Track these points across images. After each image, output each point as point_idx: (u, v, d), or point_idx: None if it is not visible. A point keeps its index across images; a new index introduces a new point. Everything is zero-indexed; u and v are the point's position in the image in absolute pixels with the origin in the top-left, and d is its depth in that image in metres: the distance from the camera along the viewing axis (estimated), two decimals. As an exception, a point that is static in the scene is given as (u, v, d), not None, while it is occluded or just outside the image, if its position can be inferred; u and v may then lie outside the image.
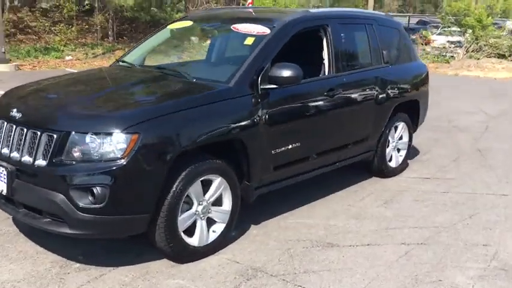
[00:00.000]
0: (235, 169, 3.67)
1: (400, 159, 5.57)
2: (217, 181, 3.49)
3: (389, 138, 5.31)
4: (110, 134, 2.99)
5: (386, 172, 5.36)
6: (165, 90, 3.76)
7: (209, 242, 3.54)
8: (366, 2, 45.34)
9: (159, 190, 3.12)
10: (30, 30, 18.34)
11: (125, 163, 2.97)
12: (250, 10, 4.88)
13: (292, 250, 3.71)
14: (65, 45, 17.13)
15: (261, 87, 3.71)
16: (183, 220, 3.33)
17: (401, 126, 5.44)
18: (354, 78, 4.60)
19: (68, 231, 3.07)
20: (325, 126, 4.34)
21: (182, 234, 3.35)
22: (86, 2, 19.07)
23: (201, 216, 3.46)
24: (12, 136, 3.27)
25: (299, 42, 4.30)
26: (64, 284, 3.13)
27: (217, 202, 3.60)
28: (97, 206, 2.97)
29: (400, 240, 3.95)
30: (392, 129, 5.31)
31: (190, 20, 4.65)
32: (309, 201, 4.65)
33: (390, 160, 5.43)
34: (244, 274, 3.34)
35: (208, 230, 3.56)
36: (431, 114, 6.76)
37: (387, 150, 5.31)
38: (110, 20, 18.89)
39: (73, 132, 3.03)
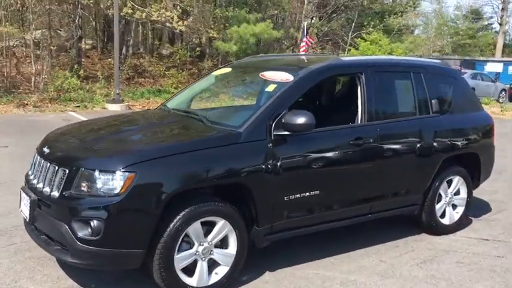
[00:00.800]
0: (244, 213, 3.71)
1: (456, 216, 5.14)
2: (220, 223, 3.55)
3: (441, 192, 4.96)
4: (110, 172, 3.23)
5: (436, 229, 4.99)
6: (175, 133, 3.96)
7: (209, 283, 3.58)
8: (493, 47, 43.37)
9: (153, 228, 3.26)
10: (148, 74, 20.10)
11: (119, 200, 3.17)
12: (289, 58, 4.96)
13: (296, 302, 3.61)
14: (175, 88, 18.49)
15: (275, 133, 3.74)
16: (180, 259, 3.42)
17: (456, 180, 5.05)
18: (389, 128, 4.42)
19: (70, 259, 3.31)
20: (350, 176, 4.20)
21: (179, 272, 3.43)
22: (197, 49, 20.49)
23: (202, 257, 3.53)
24: (40, 169, 3.66)
25: (330, 89, 4.27)
26: (67, 309, 3.37)
27: (223, 244, 3.65)
28: (93, 238, 3.19)
29: (418, 303, 3.64)
30: (444, 183, 4.95)
31: (231, 67, 4.86)
32: (343, 252, 4.48)
33: (443, 216, 5.04)
34: (234, 319, 3.32)
35: (210, 272, 3.61)
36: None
37: (438, 205, 4.95)
38: (219, 65, 20.05)
39: (82, 169, 3.31)
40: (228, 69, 4.84)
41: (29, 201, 3.57)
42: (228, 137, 3.67)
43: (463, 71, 23.81)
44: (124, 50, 19.49)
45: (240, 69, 4.91)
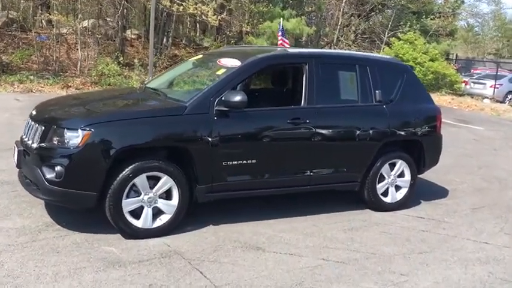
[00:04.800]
0: (188, 173, 4.55)
1: (399, 196, 5.75)
2: (163, 178, 4.40)
3: (383, 173, 5.59)
4: (73, 129, 4.15)
5: (377, 205, 5.63)
6: (134, 103, 4.85)
7: (153, 226, 4.44)
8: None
9: (103, 175, 4.15)
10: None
11: (77, 151, 4.08)
12: (253, 48, 5.74)
13: (221, 246, 4.41)
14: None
15: (216, 108, 4.55)
16: (127, 203, 4.29)
17: (399, 163, 5.66)
18: (327, 112, 5.12)
19: (41, 196, 4.28)
20: (285, 150, 4.94)
21: (127, 214, 4.31)
22: (232, 42, 21.39)
23: (148, 204, 4.39)
24: (29, 128, 4.63)
25: (277, 76, 5.02)
26: (40, 235, 4.31)
27: (168, 196, 4.50)
28: (57, 180, 4.13)
29: (320, 256, 4.35)
30: (386, 165, 5.58)
31: (202, 55, 5.70)
32: (286, 216, 5.22)
33: (385, 195, 5.67)
34: (163, 254, 4.16)
35: (155, 218, 4.46)
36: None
37: (380, 184, 5.59)
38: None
39: (54, 126, 4.25)
40: (199, 56, 5.68)
41: (17, 151, 4.56)
42: (174, 108, 4.52)
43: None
44: (165, 40, 20.66)
45: (209, 56, 5.73)
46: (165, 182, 4.41)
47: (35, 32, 18.29)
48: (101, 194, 4.23)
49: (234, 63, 4.89)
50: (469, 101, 20.08)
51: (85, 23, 18.92)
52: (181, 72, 5.78)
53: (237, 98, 4.48)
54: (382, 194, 5.65)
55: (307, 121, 4.97)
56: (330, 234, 4.87)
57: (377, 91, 5.45)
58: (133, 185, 4.31)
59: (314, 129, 5.01)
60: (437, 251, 4.68)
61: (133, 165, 4.26)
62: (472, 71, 27.43)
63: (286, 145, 4.94)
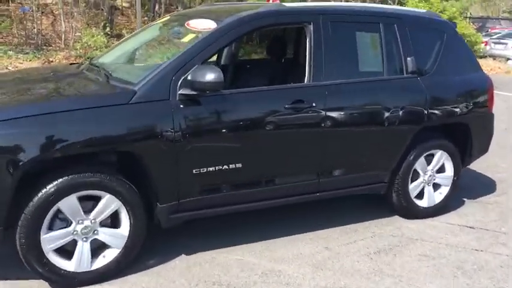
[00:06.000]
0: (143, 188, 3.14)
1: (438, 197, 4.32)
2: (104, 199, 2.99)
3: (418, 169, 4.14)
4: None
5: (410, 212, 4.21)
6: (60, 90, 3.37)
7: (93, 268, 3.05)
8: None
9: (7, 200, 2.75)
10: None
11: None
12: (237, 5, 4.19)
13: (192, 294, 3.03)
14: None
15: (180, 92, 3.10)
16: (50, 239, 2.90)
17: (439, 155, 4.20)
18: (342, 90, 3.63)
19: None
20: (285, 148, 3.49)
21: (50, 254, 2.93)
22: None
23: (82, 237, 3.00)
24: None
25: (271, 43, 3.54)
26: None
27: (114, 223, 3.11)
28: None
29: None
30: (422, 158, 4.12)
31: (170, 16, 4.18)
32: (288, 234, 3.83)
33: (420, 197, 4.24)
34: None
35: (96, 255, 3.08)
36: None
37: (413, 184, 4.16)
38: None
39: None
40: (166, 18, 4.18)
41: None
42: (117, 95, 3.06)
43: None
44: (157, 8, 19.01)
45: (178, 18, 4.20)
46: (108, 203, 3.01)
47: (18, 3, 16.78)
48: (7, 226, 2.84)
49: (208, 25, 3.40)
50: (492, 64, 18.32)
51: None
52: (145, 41, 4.26)
53: (209, 76, 3.02)
54: (416, 197, 4.21)
55: (313, 104, 3.50)
56: (348, 264, 3.46)
57: (409, 58, 3.94)
58: (58, 210, 2.91)
59: (323, 115, 3.54)
60: (504, 285, 3.27)
61: (55, 182, 2.84)
62: (490, 30, 25.59)
63: (284, 140, 3.48)
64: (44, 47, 16.01)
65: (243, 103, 3.32)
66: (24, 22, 16.41)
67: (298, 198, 3.69)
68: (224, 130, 3.23)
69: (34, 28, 16.58)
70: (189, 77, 3.08)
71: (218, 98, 3.21)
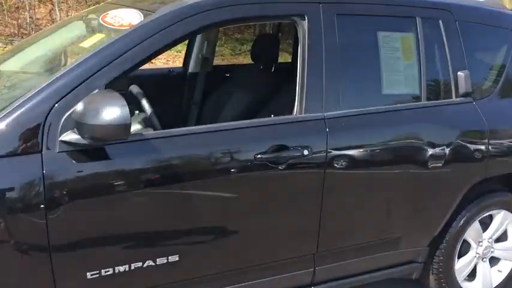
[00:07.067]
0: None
1: (498, 277, 2.90)
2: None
3: (468, 238, 2.73)
4: None
5: (456, 301, 2.81)
6: None
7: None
8: None
9: None
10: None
11: None
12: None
13: None
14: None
15: (61, 139, 1.74)
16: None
17: (500, 217, 2.77)
18: (355, 126, 2.24)
19: None
20: (256, 222, 2.11)
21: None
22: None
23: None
24: None
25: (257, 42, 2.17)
26: None
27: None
28: None
29: None
30: (476, 223, 2.70)
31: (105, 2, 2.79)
32: None
33: (471, 278, 2.83)
34: None
35: None
36: None
37: (461, 260, 2.74)
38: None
39: None
40: (93, 8, 2.79)
41: None
42: None
43: None
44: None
45: (107, 4, 2.81)
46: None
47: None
48: None
49: (129, 19, 2.01)
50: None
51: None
52: (52, 46, 2.79)
53: (106, 114, 1.65)
54: (466, 279, 2.80)
55: (305, 153, 2.10)
56: None
57: (461, 73, 2.51)
58: None
59: (321, 172, 2.14)
60: None
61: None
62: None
63: (252, 214, 2.10)
64: (38, 37, 14.98)
65: (180, 153, 1.93)
66: (20, 11, 15.42)
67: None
68: (145, 199, 1.87)
69: (31, 18, 15.59)
70: (73, 114, 1.72)
71: (137, 146, 1.85)
